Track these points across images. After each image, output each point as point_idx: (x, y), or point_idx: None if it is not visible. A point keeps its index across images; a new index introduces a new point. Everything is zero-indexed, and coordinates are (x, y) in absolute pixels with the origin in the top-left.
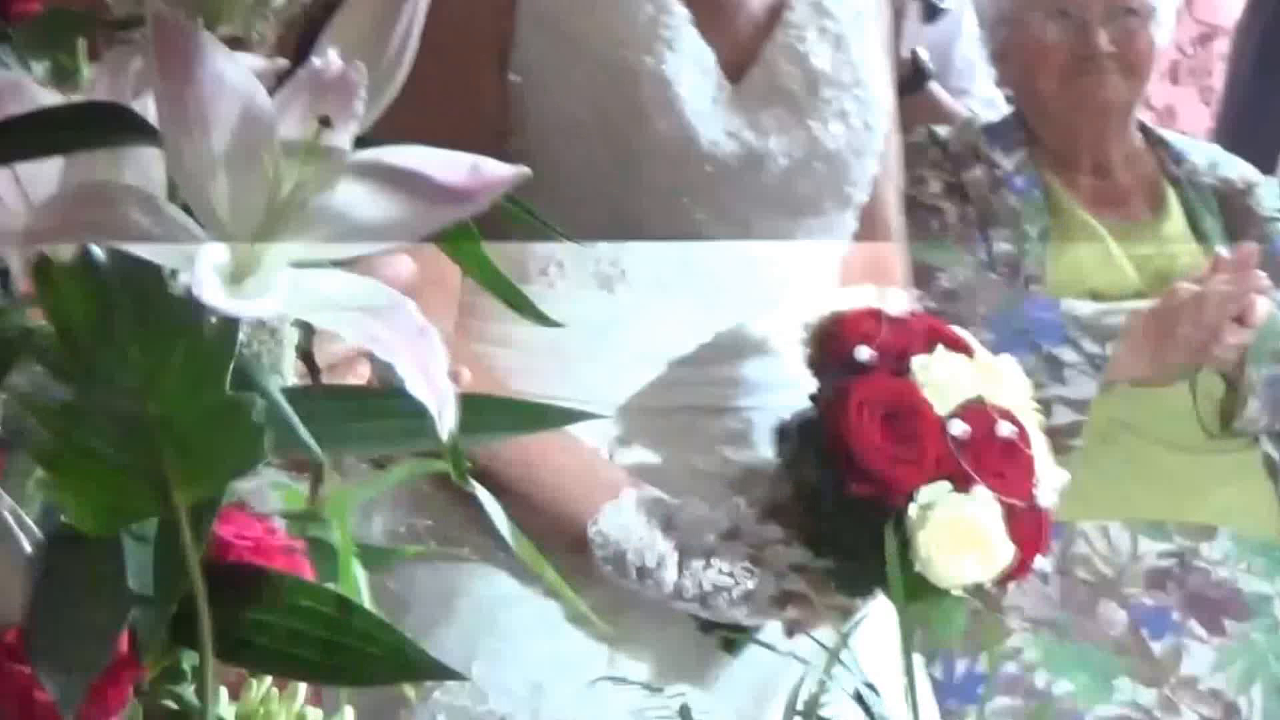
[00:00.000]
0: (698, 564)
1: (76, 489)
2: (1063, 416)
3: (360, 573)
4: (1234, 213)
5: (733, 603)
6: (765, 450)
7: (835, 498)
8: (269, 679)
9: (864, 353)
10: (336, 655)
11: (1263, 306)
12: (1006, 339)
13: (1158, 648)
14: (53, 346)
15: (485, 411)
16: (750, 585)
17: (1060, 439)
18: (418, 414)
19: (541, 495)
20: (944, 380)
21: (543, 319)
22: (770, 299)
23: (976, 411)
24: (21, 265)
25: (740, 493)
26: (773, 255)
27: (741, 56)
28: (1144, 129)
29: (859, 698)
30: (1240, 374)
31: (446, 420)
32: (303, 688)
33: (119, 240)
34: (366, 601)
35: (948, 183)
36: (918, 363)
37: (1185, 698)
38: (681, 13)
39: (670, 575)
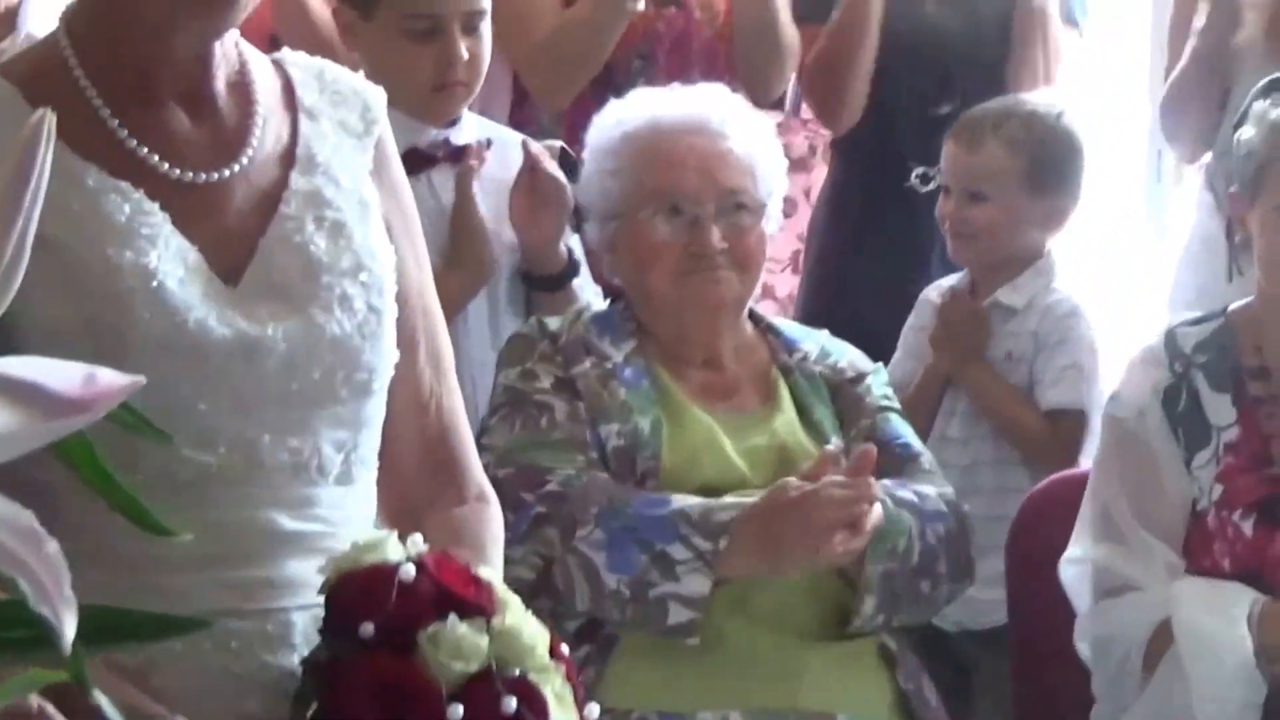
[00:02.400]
0: None
1: None
2: (679, 615)
3: None
4: (845, 401)
5: None
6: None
7: None
8: None
9: (367, 629)
10: None
11: (875, 514)
12: (618, 537)
13: None
14: None
15: (107, 622)
16: None
17: (678, 638)
18: (35, 626)
19: None
20: (451, 654)
21: (162, 529)
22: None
23: (482, 687)
24: None
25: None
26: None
27: (237, 253)
28: (754, 317)
29: None
30: (859, 571)
31: (66, 631)
32: None
33: None
34: None
35: (558, 377)
36: (425, 636)
37: None
38: (158, 213)
39: None
